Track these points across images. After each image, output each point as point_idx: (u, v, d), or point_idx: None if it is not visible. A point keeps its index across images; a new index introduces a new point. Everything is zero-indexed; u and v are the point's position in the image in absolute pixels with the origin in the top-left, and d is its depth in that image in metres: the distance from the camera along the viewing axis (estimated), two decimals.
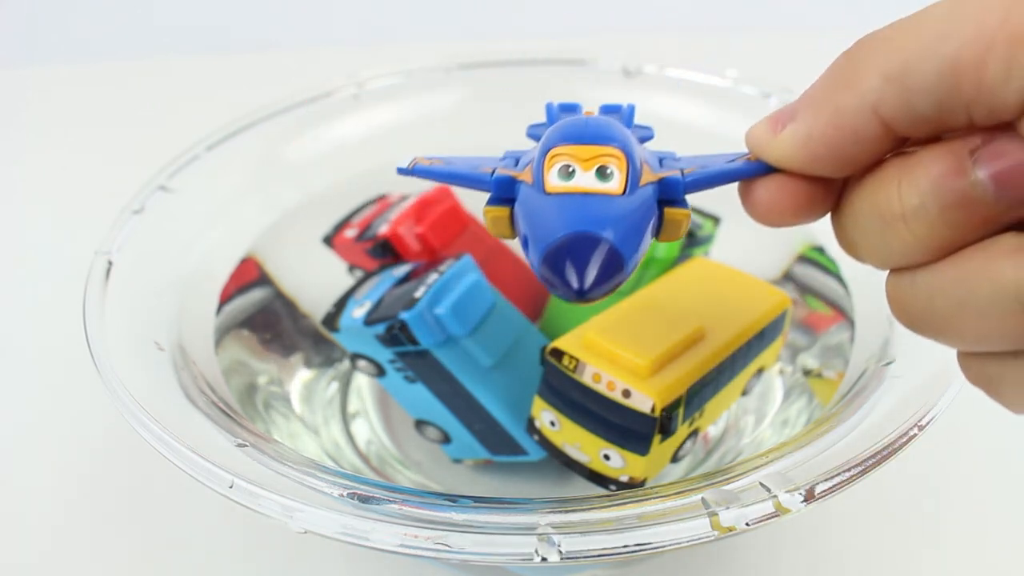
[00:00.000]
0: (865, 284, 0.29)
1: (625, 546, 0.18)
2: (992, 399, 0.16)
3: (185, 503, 0.32)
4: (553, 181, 0.18)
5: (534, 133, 0.22)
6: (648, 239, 0.17)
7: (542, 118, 0.23)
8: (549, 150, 0.18)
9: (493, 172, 0.19)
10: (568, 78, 0.39)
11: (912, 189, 0.15)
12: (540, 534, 0.18)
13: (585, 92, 0.20)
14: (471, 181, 0.19)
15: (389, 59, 0.39)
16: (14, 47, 0.71)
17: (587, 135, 0.18)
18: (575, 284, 0.16)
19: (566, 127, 0.19)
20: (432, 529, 0.18)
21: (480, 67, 0.39)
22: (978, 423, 0.34)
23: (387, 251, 0.32)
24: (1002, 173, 0.14)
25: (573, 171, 0.18)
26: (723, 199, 0.20)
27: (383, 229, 0.32)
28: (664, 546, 0.18)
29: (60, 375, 0.38)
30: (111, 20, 0.71)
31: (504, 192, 0.19)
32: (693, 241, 0.32)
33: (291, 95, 0.36)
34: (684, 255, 0.32)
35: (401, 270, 0.30)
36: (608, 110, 0.22)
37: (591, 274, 0.16)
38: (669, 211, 0.18)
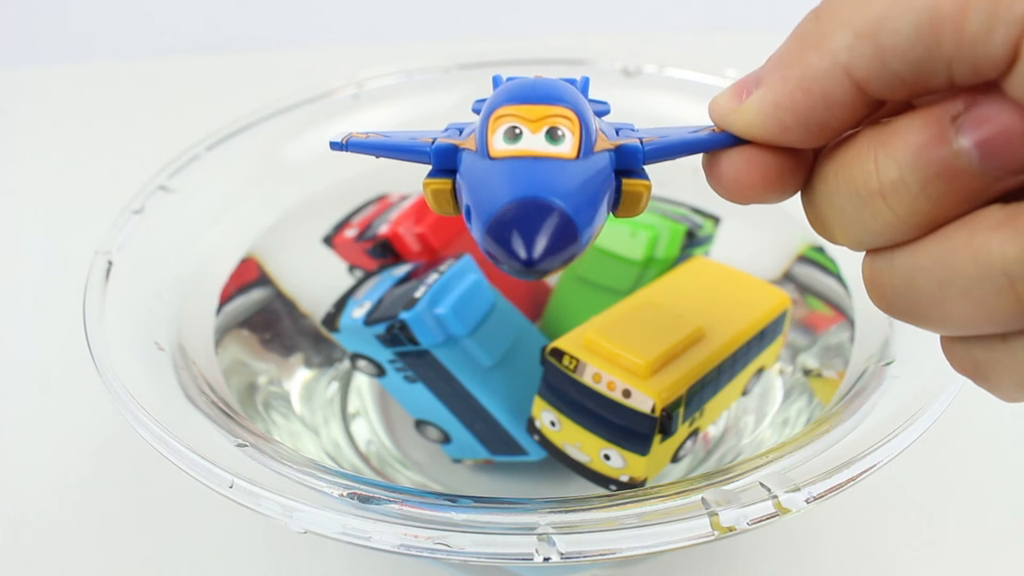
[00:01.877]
0: None
1: (625, 546, 0.18)
2: (981, 388, 0.15)
3: (185, 503, 0.32)
4: (498, 145, 0.16)
5: (480, 108, 0.20)
6: (605, 211, 0.16)
7: None
8: (493, 111, 0.16)
9: (434, 142, 0.17)
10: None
11: (890, 161, 0.14)
12: (540, 534, 0.18)
13: None
14: (409, 153, 0.18)
15: (389, 59, 0.39)
16: (13, 47, 0.71)
17: (535, 95, 0.16)
18: (523, 254, 0.14)
19: (512, 87, 0.17)
20: (432, 529, 0.18)
21: (480, 67, 0.39)
22: (978, 423, 0.34)
23: (387, 251, 0.32)
24: (988, 140, 0.13)
25: (520, 133, 0.16)
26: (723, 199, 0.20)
27: (383, 229, 0.32)
28: (664, 546, 0.18)
29: (60, 375, 0.38)
30: (111, 20, 0.71)
31: (445, 163, 0.17)
32: (693, 241, 0.32)
33: (291, 95, 0.36)
34: (684, 255, 0.32)
35: (401, 270, 0.30)
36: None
37: (541, 243, 0.14)
38: (628, 182, 0.17)
